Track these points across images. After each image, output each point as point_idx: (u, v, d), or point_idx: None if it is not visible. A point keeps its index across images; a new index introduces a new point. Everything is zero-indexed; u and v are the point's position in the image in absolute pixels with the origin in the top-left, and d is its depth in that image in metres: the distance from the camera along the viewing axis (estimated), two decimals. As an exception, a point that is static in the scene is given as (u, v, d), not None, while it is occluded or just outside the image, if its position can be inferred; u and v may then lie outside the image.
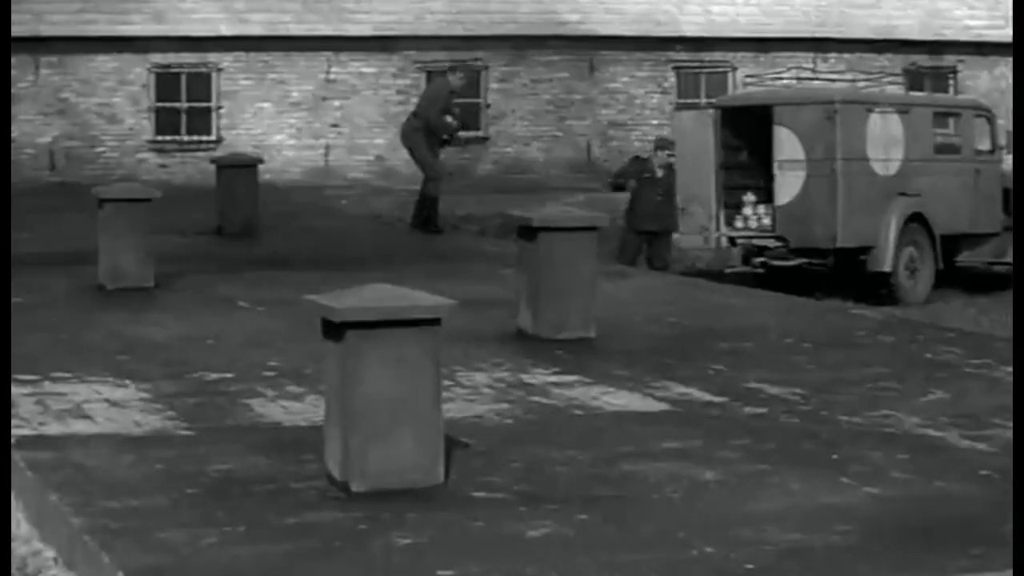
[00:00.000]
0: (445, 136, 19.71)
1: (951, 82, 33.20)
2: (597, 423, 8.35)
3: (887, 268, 18.33)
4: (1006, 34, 30.51)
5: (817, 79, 22.55)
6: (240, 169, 20.07)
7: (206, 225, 19.36)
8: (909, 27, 32.84)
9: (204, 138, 29.78)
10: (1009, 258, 19.30)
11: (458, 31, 30.30)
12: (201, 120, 29.98)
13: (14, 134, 28.42)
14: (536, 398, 9.01)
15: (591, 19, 31.27)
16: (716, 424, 8.31)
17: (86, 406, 8.66)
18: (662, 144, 19.18)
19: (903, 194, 18.58)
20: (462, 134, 21.53)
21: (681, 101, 30.77)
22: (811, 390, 9.26)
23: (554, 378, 9.65)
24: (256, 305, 12.93)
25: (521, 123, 31.10)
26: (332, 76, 30.25)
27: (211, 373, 9.69)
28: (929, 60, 33.00)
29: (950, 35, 33.05)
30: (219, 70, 29.90)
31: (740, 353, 10.75)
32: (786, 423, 8.35)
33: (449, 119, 19.53)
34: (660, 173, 18.80)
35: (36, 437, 7.87)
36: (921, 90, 30.03)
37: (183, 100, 29.91)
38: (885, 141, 18.53)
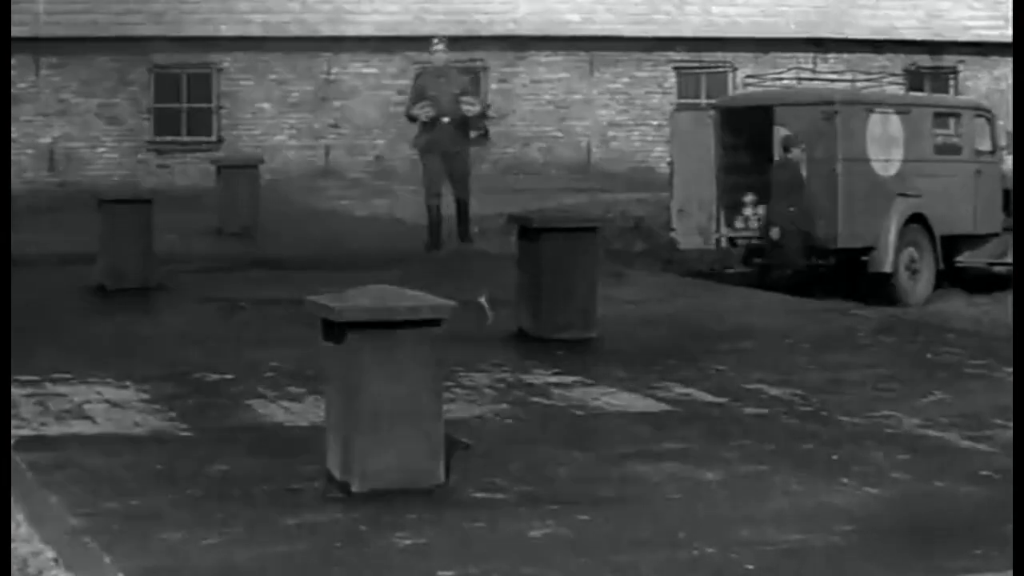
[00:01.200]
0: (424, 120, 16.96)
1: (951, 82, 33.19)
2: (598, 423, 8.35)
3: (887, 269, 18.31)
4: (1006, 34, 30.49)
5: (817, 79, 22.54)
6: (240, 169, 20.08)
7: (206, 225, 19.35)
8: (909, 27, 32.83)
9: (204, 139, 29.76)
10: (1009, 258, 19.28)
11: (458, 31, 30.26)
12: (201, 121, 29.97)
13: (14, 134, 28.40)
14: (537, 398, 9.00)
15: (591, 19, 31.26)
16: (717, 424, 8.31)
17: (86, 407, 8.65)
18: (792, 142, 18.45)
19: (903, 195, 18.56)
20: (461, 106, 17.07)
21: (681, 101, 30.73)
22: (811, 390, 9.25)
23: (555, 378, 9.64)
24: (256, 305, 12.92)
25: (521, 123, 31.09)
26: (332, 76, 30.24)
27: (211, 374, 9.69)
28: (929, 60, 32.99)
29: (950, 35, 33.03)
30: (219, 70, 29.89)
31: (740, 353, 10.74)
32: (786, 423, 8.34)
33: (423, 106, 16.99)
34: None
35: (36, 438, 7.87)
36: (921, 90, 30.00)
37: (183, 101, 29.90)
38: (885, 142, 18.51)
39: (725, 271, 19.22)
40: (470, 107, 17.20)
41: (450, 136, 17.09)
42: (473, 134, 17.59)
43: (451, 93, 17.10)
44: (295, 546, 5.96)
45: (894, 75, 25.41)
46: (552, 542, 6.04)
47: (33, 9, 28.59)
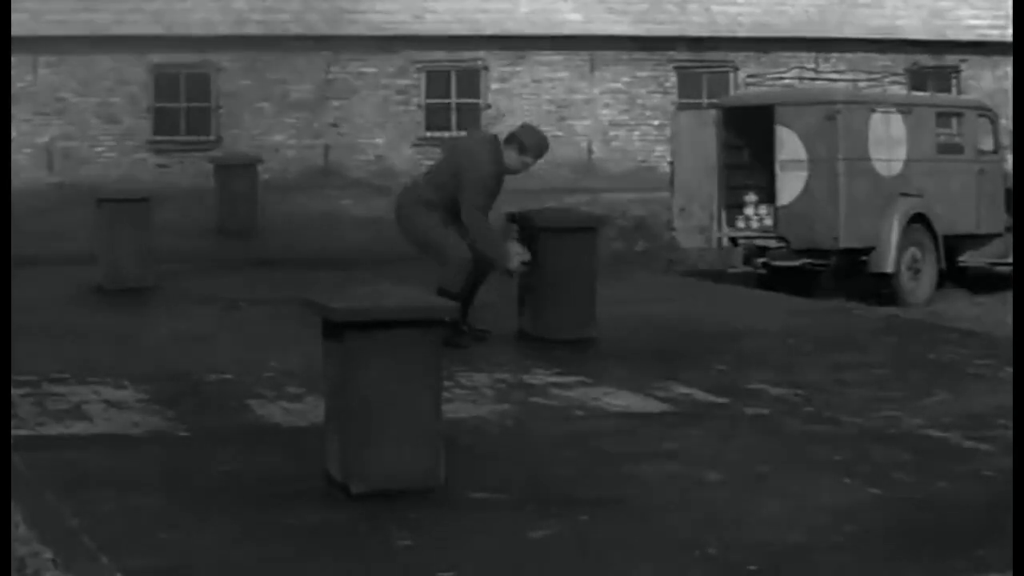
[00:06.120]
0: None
1: (953, 82, 33.18)
2: (598, 424, 8.32)
3: (889, 269, 18.29)
4: (1008, 34, 30.48)
5: (819, 79, 22.53)
6: (239, 169, 20.05)
7: (205, 225, 19.33)
8: (911, 27, 32.81)
9: (203, 138, 29.75)
10: (1012, 258, 19.27)
11: (458, 31, 30.27)
12: (200, 120, 29.95)
13: (12, 134, 28.39)
14: (537, 399, 8.98)
15: (591, 19, 31.24)
16: (717, 424, 8.29)
17: (85, 407, 8.63)
18: None
19: (905, 194, 18.53)
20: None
21: (682, 101, 30.72)
22: (813, 391, 9.23)
23: (555, 379, 9.62)
24: (256, 305, 12.90)
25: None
26: (332, 76, 30.22)
27: (210, 373, 9.67)
28: (931, 60, 32.97)
29: (952, 35, 33.02)
30: (218, 70, 29.87)
31: (742, 353, 10.72)
32: (788, 424, 8.32)
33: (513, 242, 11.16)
34: None
35: (35, 438, 7.85)
36: (923, 90, 29.97)
37: (182, 100, 29.88)
38: (887, 141, 18.49)
39: (726, 271, 19.21)
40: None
41: None
42: None
43: None
44: (295, 546, 5.94)
45: (896, 75, 25.41)
46: (552, 543, 6.01)
47: (32, 8, 28.57)
